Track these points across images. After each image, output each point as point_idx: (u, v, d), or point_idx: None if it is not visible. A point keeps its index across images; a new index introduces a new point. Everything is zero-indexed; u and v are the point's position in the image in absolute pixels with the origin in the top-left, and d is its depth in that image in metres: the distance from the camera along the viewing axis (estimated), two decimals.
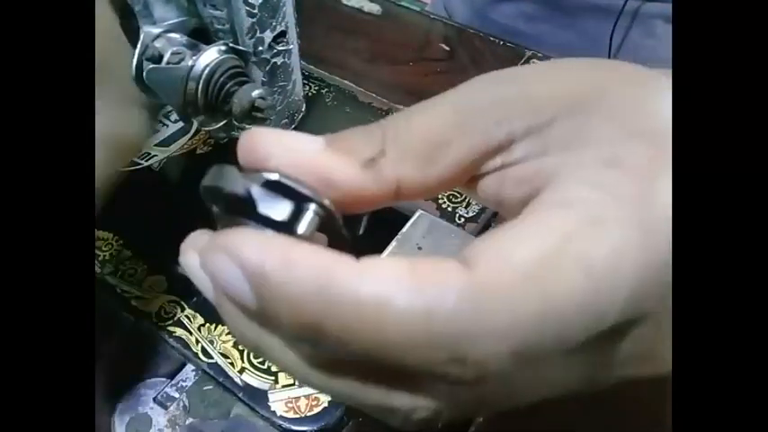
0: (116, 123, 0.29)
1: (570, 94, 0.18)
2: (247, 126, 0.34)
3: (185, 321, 0.36)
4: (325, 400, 0.33)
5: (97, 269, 0.39)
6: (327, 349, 0.15)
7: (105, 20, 0.28)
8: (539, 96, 0.18)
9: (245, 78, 0.31)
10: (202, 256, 0.16)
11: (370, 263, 0.14)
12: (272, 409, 0.33)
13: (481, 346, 0.14)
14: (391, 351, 0.14)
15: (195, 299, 0.37)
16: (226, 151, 0.45)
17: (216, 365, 0.35)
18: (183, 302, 0.37)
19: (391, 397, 0.15)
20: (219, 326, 0.36)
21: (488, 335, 0.14)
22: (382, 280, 0.13)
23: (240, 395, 0.34)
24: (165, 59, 0.31)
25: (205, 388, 0.34)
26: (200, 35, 0.32)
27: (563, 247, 0.14)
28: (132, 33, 0.32)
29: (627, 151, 0.17)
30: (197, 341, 0.36)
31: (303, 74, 0.35)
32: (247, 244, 0.14)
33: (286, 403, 0.33)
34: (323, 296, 0.14)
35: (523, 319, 0.14)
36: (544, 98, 0.17)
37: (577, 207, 0.15)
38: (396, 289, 0.13)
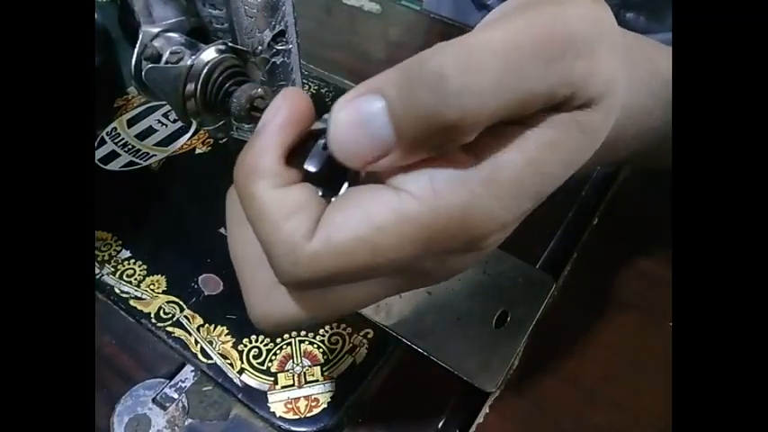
0: None
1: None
2: (246, 126, 0.34)
3: (184, 322, 0.36)
4: (324, 401, 0.33)
5: (96, 269, 0.39)
6: None
7: None
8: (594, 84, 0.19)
9: (244, 78, 0.31)
10: None
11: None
12: (272, 410, 0.33)
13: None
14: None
15: (194, 299, 0.37)
16: (225, 151, 0.45)
17: (215, 366, 0.34)
18: (182, 303, 0.37)
19: None
20: (219, 326, 0.36)
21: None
22: (270, 202, 0.19)
23: (239, 396, 0.33)
24: (164, 59, 0.31)
25: (204, 389, 0.34)
26: (199, 34, 0.32)
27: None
28: (131, 33, 0.32)
29: None
30: (196, 342, 0.35)
31: (303, 73, 0.35)
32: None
33: (285, 404, 0.33)
34: (244, 178, 0.20)
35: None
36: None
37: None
38: (270, 215, 0.19)
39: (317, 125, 0.21)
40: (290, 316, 0.21)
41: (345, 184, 0.20)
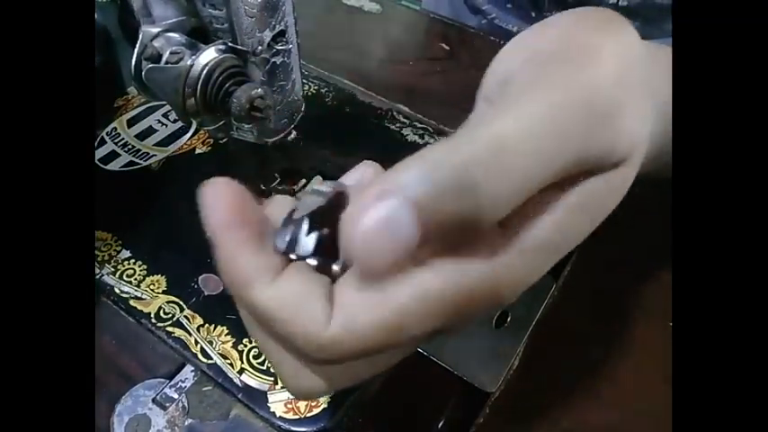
0: None
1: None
2: (246, 126, 0.34)
3: (184, 322, 0.36)
4: (324, 401, 0.33)
5: (96, 269, 0.39)
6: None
7: None
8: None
9: (244, 78, 0.31)
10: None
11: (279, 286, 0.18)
12: (272, 410, 0.33)
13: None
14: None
15: (194, 299, 0.37)
16: (225, 151, 0.45)
17: (215, 366, 0.34)
18: (182, 303, 0.37)
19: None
20: (219, 326, 0.36)
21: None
22: (272, 303, 0.18)
23: (239, 396, 0.33)
24: (164, 59, 0.31)
25: (204, 389, 0.34)
26: (199, 34, 0.32)
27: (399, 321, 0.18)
28: (131, 33, 0.32)
29: None
30: (196, 342, 0.35)
31: (303, 73, 0.35)
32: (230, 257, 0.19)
33: (285, 404, 0.33)
34: (238, 292, 0.19)
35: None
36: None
37: None
38: (278, 314, 0.18)
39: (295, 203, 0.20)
40: (321, 388, 0.21)
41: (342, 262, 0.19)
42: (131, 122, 0.49)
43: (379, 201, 0.16)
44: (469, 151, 0.16)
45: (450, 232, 0.17)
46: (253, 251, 0.19)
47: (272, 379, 0.34)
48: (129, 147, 0.47)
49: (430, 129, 0.48)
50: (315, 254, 0.19)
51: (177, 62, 0.30)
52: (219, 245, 0.19)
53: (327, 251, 0.19)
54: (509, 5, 0.63)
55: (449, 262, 0.17)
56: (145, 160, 0.46)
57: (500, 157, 0.16)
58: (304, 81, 0.39)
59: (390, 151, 0.45)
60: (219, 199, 0.19)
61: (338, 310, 0.18)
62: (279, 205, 0.21)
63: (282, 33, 0.32)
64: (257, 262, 0.18)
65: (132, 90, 0.51)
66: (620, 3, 0.55)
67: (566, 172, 0.17)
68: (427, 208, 0.16)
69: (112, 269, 0.39)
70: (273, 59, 0.32)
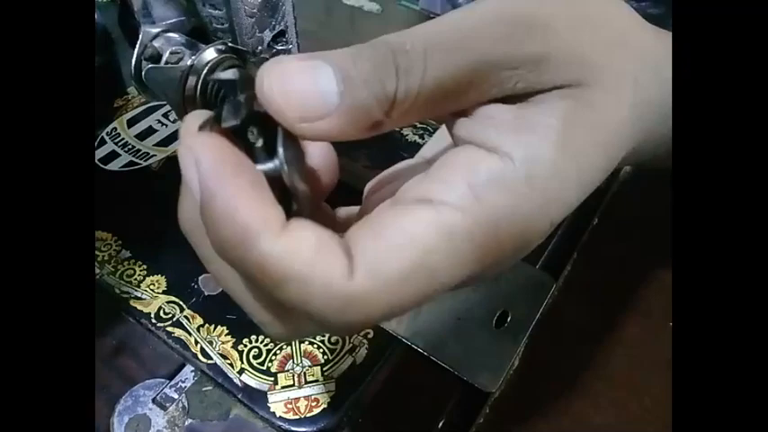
0: None
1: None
2: None
3: (184, 322, 0.36)
4: (324, 401, 0.33)
5: (96, 269, 0.39)
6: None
7: None
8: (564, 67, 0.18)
9: None
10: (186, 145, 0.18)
11: (284, 240, 0.16)
12: (272, 410, 0.33)
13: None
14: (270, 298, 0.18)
15: (194, 299, 0.37)
16: None
17: (215, 366, 0.34)
18: (182, 303, 0.37)
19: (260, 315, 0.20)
20: (219, 326, 0.36)
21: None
22: (285, 256, 0.16)
23: (239, 396, 0.33)
24: (164, 59, 0.31)
25: (204, 389, 0.34)
26: (199, 34, 0.32)
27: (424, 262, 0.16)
28: (131, 33, 0.32)
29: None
30: (196, 342, 0.35)
31: None
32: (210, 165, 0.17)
33: (285, 404, 0.33)
34: (239, 251, 0.16)
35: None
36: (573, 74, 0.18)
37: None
38: (293, 270, 0.16)
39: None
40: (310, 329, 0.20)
41: (280, 149, 0.18)
42: (131, 122, 0.49)
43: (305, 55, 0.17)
44: (384, 38, 0.18)
45: (374, 105, 0.17)
46: (257, 199, 0.16)
47: (272, 379, 0.34)
48: (129, 147, 0.47)
49: (430, 129, 0.48)
50: (242, 125, 0.18)
51: (177, 62, 0.30)
52: (215, 194, 0.16)
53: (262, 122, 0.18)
54: None
55: (465, 196, 0.17)
56: (145, 160, 0.46)
57: (416, 36, 0.17)
58: None
59: (390, 151, 0.45)
60: (211, 145, 0.17)
61: (359, 259, 0.16)
62: (196, 116, 0.20)
63: (282, 33, 0.32)
64: (263, 212, 0.16)
65: (132, 90, 0.51)
66: None
67: (470, 70, 0.17)
68: (348, 69, 0.17)
69: (112, 269, 0.39)
70: None
